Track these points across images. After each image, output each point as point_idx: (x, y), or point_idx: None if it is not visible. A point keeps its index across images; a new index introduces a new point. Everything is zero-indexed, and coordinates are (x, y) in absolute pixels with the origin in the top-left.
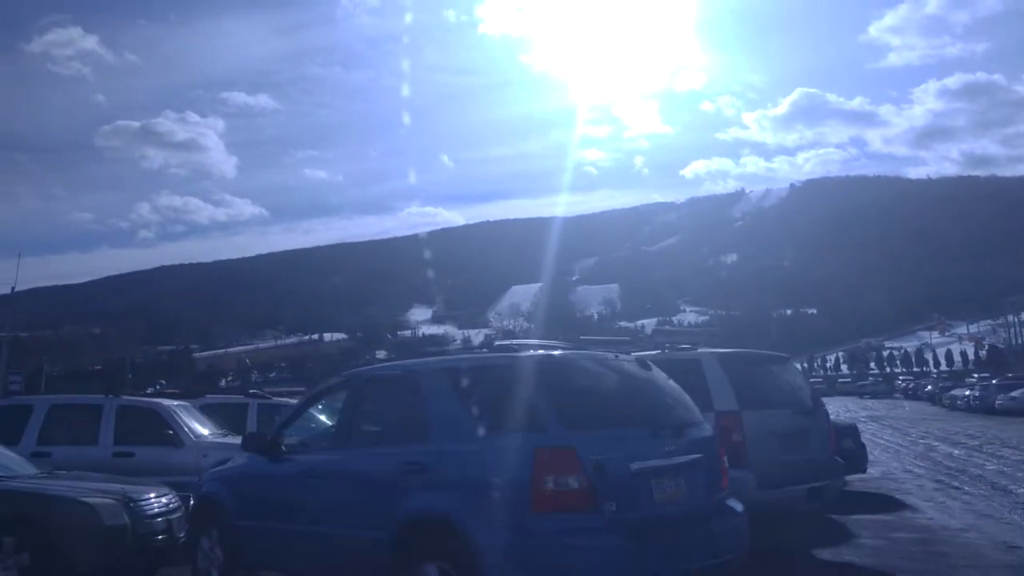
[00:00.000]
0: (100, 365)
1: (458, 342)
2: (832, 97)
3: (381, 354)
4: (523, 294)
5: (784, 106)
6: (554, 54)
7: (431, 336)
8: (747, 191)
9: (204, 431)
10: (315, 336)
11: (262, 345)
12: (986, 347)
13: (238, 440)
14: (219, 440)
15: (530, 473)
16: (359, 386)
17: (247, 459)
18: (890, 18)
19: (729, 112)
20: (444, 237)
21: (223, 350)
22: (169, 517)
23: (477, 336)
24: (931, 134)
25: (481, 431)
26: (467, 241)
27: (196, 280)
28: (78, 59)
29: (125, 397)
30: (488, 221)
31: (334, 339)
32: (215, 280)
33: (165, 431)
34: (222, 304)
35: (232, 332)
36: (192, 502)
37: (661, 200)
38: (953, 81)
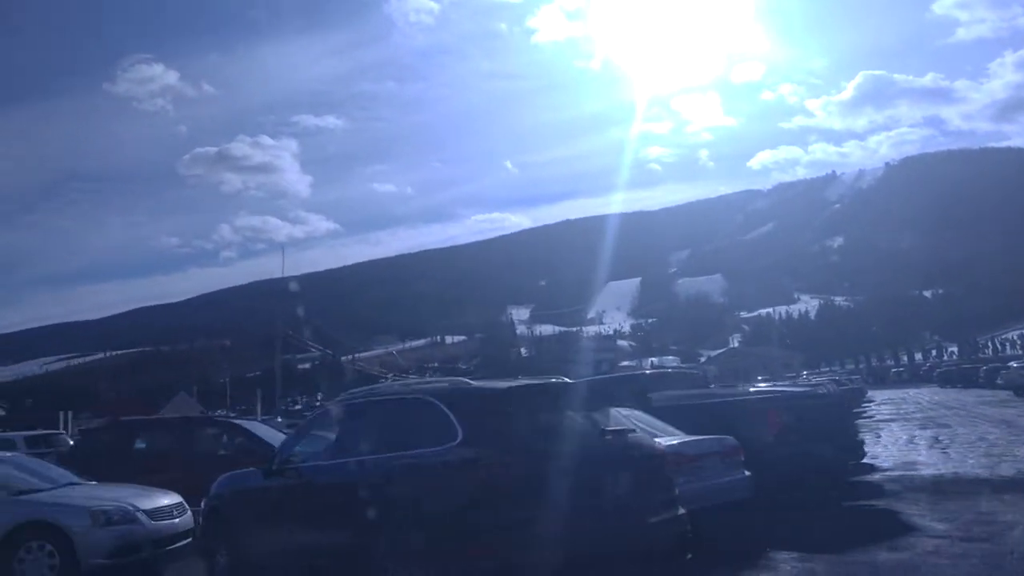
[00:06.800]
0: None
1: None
2: (900, 77)
3: (524, 351)
4: (621, 290)
5: (849, 90)
6: (608, 55)
7: (567, 333)
8: (839, 174)
9: None
10: (438, 339)
11: (392, 348)
12: None
13: None
14: None
15: None
16: None
17: None
18: None
19: (792, 100)
20: (521, 239)
21: (356, 354)
22: None
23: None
24: (1014, 106)
25: None
26: (545, 242)
27: (287, 294)
28: (160, 95)
29: None
30: (567, 220)
31: (455, 341)
32: (304, 294)
33: None
34: (323, 314)
35: (350, 339)
36: None
37: (726, 192)
38: None
